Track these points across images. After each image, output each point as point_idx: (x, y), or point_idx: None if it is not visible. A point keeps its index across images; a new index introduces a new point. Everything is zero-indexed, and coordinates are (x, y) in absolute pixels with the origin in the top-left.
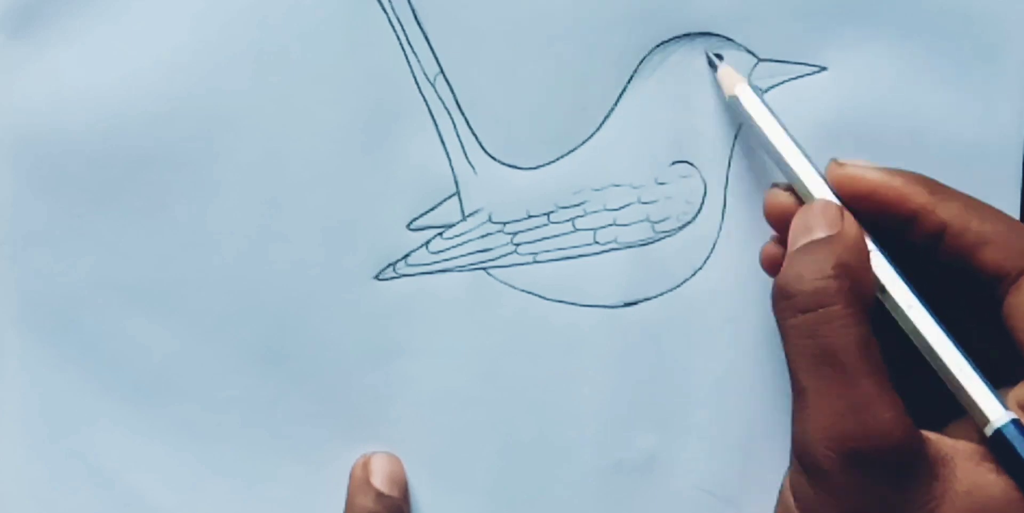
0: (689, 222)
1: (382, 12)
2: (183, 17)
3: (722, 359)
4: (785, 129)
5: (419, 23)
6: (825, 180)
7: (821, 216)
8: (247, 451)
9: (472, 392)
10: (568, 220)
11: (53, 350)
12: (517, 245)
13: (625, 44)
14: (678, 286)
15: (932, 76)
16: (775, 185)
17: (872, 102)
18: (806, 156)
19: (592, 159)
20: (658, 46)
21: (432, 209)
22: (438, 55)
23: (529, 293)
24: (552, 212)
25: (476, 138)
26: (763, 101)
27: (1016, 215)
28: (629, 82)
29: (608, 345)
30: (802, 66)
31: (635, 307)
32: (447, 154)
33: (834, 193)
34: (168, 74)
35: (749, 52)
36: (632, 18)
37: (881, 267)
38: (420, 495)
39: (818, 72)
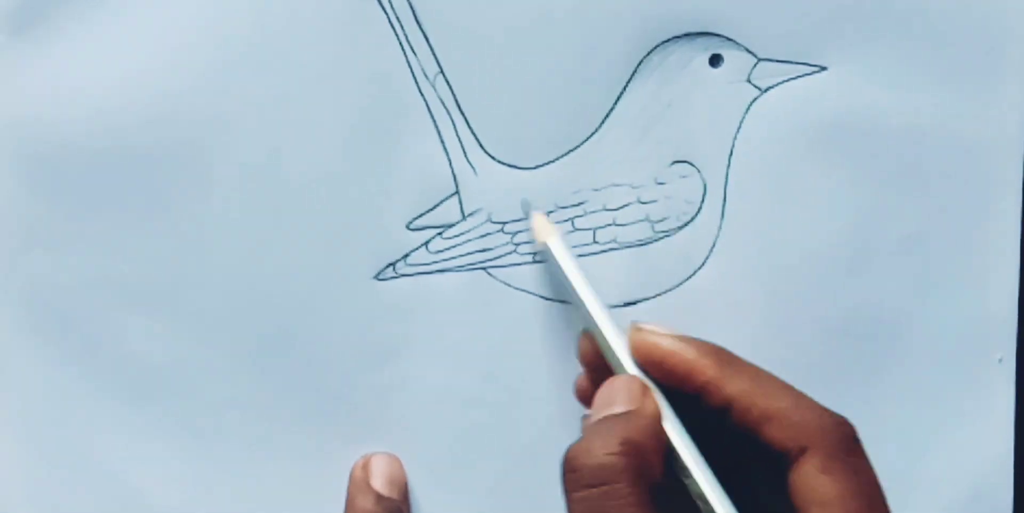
0: (689, 222)
1: (382, 12)
2: (183, 17)
3: None
4: (590, 287)
5: (419, 23)
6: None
7: (623, 391)
8: (247, 451)
9: (472, 392)
10: (568, 220)
11: (53, 350)
12: (517, 245)
13: (625, 44)
14: (678, 286)
15: (932, 76)
16: (585, 331)
17: (872, 102)
18: (609, 314)
19: (592, 159)
20: (658, 46)
21: (432, 209)
22: (438, 55)
23: (529, 293)
24: (552, 212)
25: (476, 138)
26: (570, 254)
27: (1016, 215)
28: (629, 82)
29: None
30: (802, 66)
31: (635, 307)
32: (447, 154)
33: (633, 357)
34: (168, 74)
35: (749, 52)
36: (632, 18)
37: (672, 431)
38: (420, 495)
39: (818, 72)
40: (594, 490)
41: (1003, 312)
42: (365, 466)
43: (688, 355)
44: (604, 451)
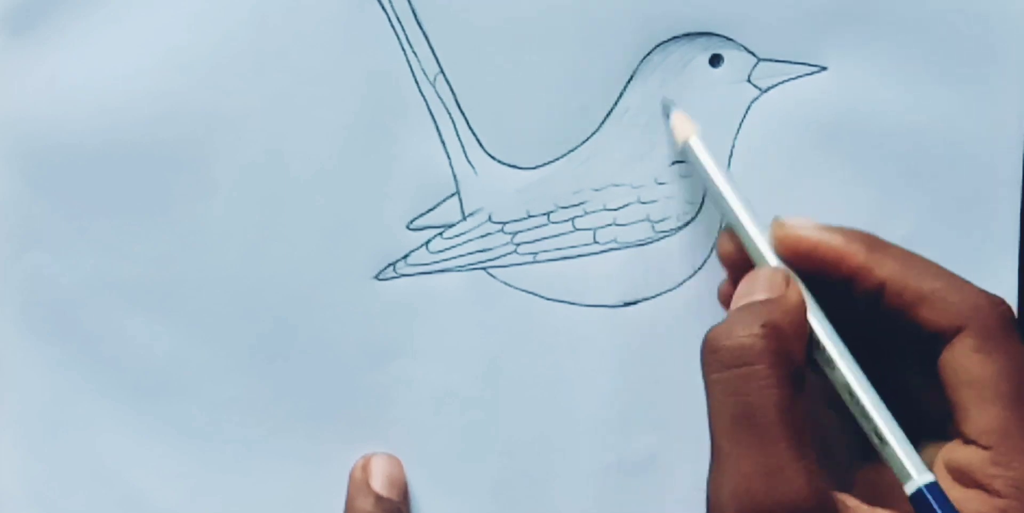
0: (689, 222)
1: (382, 12)
2: (183, 17)
3: None
4: (733, 183)
5: (419, 23)
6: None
7: (766, 282)
8: (247, 451)
9: (472, 392)
10: (568, 220)
11: (53, 350)
12: (517, 245)
13: (625, 44)
14: (678, 286)
15: (932, 76)
16: (726, 229)
17: (872, 102)
18: (751, 211)
19: (592, 159)
20: (658, 46)
21: (432, 209)
22: (438, 55)
23: (529, 293)
24: (552, 212)
25: (476, 138)
26: (710, 152)
27: (1016, 215)
28: (629, 82)
29: (608, 345)
30: (802, 66)
31: (635, 307)
32: (447, 154)
33: (777, 253)
34: (168, 74)
35: (749, 52)
36: (632, 18)
37: (816, 322)
38: (420, 496)
39: (818, 72)
40: (734, 371)
41: None
42: (365, 467)
43: (836, 242)
44: (745, 332)
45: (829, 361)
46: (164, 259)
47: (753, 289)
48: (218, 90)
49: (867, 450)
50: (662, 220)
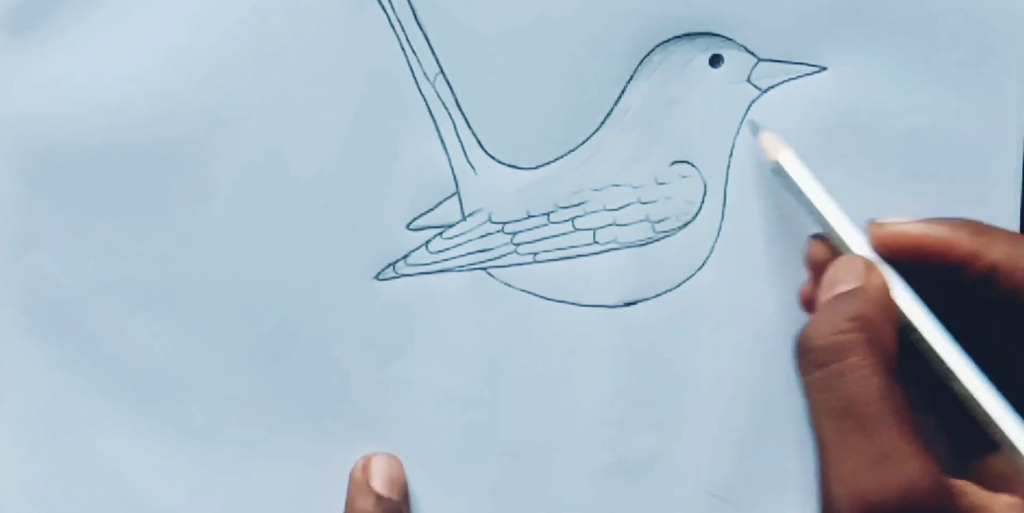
0: (689, 222)
1: (382, 12)
2: (183, 17)
3: (722, 359)
4: (828, 195)
5: (419, 23)
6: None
7: (845, 270)
8: (247, 451)
9: (472, 392)
10: (568, 220)
11: (53, 350)
12: (517, 245)
13: (625, 44)
14: (678, 286)
15: (932, 76)
16: (815, 236)
17: (872, 102)
18: (848, 220)
19: (592, 159)
20: (658, 46)
21: (432, 209)
22: (438, 55)
23: (529, 293)
24: (552, 212)
25: (476, 138)
26: (803, 167)
27: (1016, 215)
28: (629, 82)
29: (608, 345)
30: (802, 66)
31: (635, 307)
32: (447, 154)
33: (878, 253)
34: (168, 74)
35: (749, 52)
36: (632, 18)
37: (913, 311)
38: (420, 496)
39: (818, 72)
40: (827, 368)
41: None
42: (365, 467)
43: (941, 232)
44: (833, 330)
45: (921, 341)
46: (164, 259)
47: (835, 279)
48: (218, 90)
49: (976, 440)
50: (662, 220)
